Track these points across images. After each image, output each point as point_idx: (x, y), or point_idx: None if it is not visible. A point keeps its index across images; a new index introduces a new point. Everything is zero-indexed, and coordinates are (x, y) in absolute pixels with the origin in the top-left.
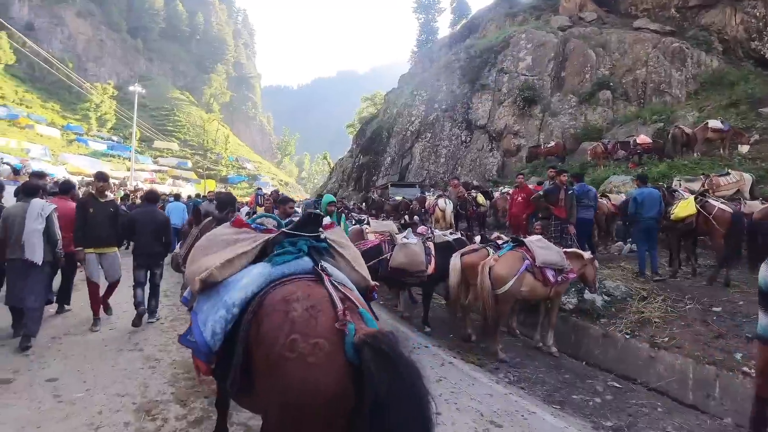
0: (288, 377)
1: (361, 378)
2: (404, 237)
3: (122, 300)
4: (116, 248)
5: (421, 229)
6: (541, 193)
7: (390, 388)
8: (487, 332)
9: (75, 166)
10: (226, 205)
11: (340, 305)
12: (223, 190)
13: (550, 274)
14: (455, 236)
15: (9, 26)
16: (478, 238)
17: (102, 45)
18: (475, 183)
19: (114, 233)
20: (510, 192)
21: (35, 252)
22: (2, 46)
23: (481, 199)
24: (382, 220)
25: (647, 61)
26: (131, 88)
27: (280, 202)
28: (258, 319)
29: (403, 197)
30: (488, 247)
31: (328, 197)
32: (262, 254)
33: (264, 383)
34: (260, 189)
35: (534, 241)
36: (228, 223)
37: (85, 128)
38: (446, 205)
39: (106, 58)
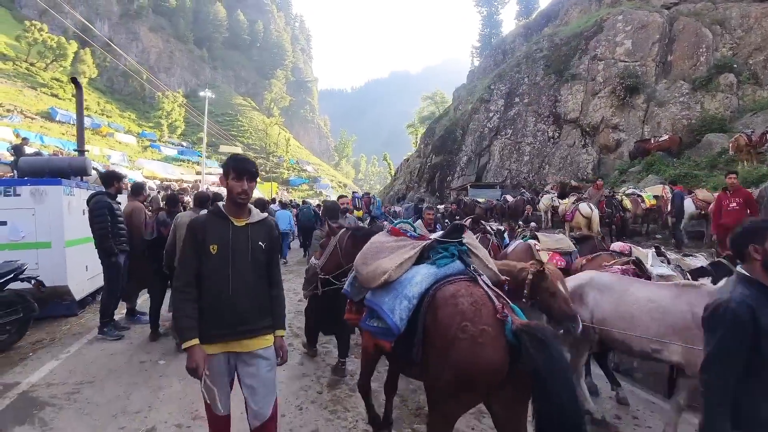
0: (462, 352)
1: (515, 355)
2: (651, 265)
3: None
4: (272, 337)
5: (618, 245)
6: None
7: (545, 363)
8: None
9: (149, 170)
10: (332, 212)
11: (497, 302)
12: (328, 199)
13: None
14: (701, 259)
15: (102, 35)
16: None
17: (171, 56)
18: (573, 183)
19: (269, 300)
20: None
21: None
22: (87, 62)
23: (627, 203)
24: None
25: None
26: (201, 93)
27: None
28: (433, 308)
29: (492, 199)
30: None
31: None
32: (420, 257)
33: (439, 356)
34: (356, 192)
35: None
36: (385, 231)
37: (158, 135)
38: (592, 211)
39: (175, 68)
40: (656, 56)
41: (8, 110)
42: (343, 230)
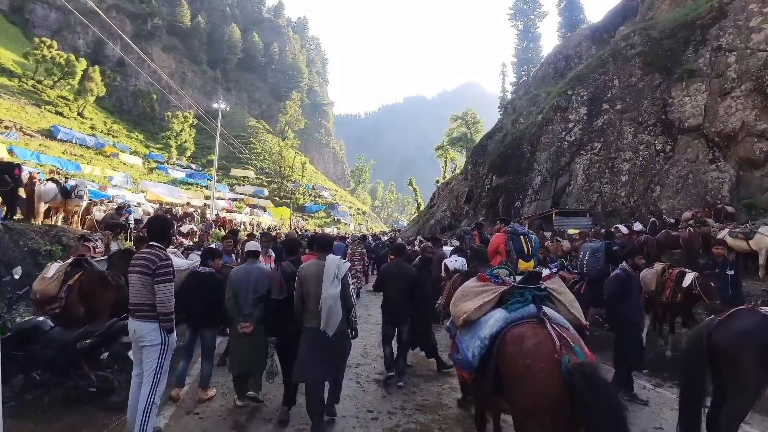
0: (526, 386)
1: (573, 391)
2: None
3: None
4: None
5: None
6: None
7: (593, 397)
8: None
9: (154, 193)
10: (475, 258)
11: (558, 342)
12: (478, 245)
13: None
14: None
15: (115, 54)
16: None
17: (184, 77)
18: (728, 209)
19: None
20: None
21: (335, 321)
22: (95, 79)
23: None
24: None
25: None
26: (215, 105)
27: None
28: (503, 348)
29: (582, 228)
30: None
31: None
32: (500, 300)
33: (511, 388)
34: (516, 225)
35: None
36: (475, 278)
37: (165, 156)
38: None
39: (187, 89)
40: None
41: (6, 127)
42: (456, 274)
